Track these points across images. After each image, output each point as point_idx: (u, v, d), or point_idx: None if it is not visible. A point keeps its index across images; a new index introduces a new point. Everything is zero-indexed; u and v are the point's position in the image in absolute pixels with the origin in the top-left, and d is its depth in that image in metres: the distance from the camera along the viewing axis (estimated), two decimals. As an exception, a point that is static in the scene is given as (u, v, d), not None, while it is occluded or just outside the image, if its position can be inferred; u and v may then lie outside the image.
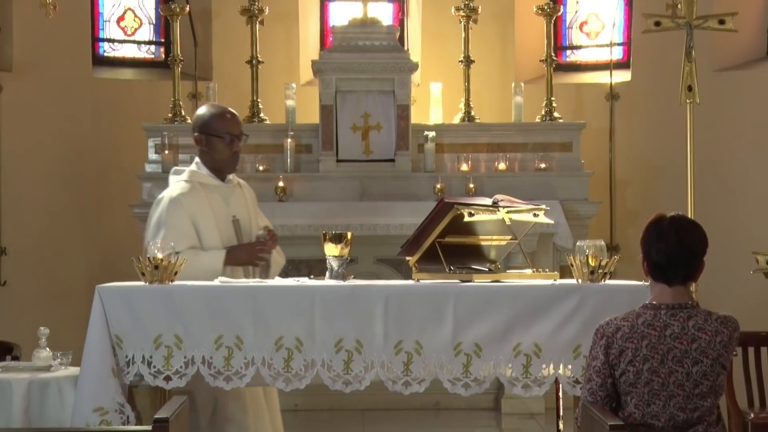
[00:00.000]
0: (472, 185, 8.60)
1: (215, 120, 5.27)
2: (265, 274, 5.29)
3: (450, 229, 4.67)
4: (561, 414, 5.25)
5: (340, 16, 9.84)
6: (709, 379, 3.78)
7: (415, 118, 8.96)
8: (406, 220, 7.78)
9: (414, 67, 8.89)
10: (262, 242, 5.23)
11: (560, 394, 4.94)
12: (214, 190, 5.28)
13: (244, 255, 5.21)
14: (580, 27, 10.15)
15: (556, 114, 9.12)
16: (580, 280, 4.62)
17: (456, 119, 9.20)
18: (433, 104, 9.16)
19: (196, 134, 5.31)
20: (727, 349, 3.81)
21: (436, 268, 4.71)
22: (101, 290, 4.55)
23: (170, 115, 9.04)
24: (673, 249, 3.83)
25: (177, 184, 5.28)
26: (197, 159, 5.36)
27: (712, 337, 3.80)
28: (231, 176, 5.40)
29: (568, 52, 10.17)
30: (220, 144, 5.24)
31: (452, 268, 4.71)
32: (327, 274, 4.86)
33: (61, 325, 6.45)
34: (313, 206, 8.37)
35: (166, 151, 8.79)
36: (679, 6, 7.37)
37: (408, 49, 9.20)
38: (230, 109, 5.39)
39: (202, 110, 5.39)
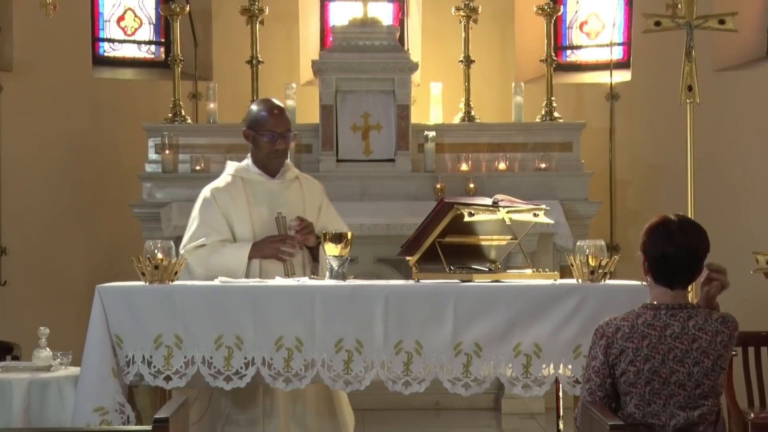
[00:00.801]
0: (472, 185, 8.60)
1: (261, 117, 5.27)
2: (315, 270, 5.22)
3: (450, 229, 4.67)
4: (561, 414, 5.25)
5: (340, 15, 9.84)
6: (710, 379, 3.78)
7: (415, 117, 8.95)
8: (406, 220, 7.78)
9: (414, 67, 8.89)
10: (291, 236, 5.13)
11: (560, 394, 4.94)
12: (258, 185, 5.29)
13: (267, 248, 5.15)
14: (580, 27, 10.15)
15: (556, 114, 9.12)
16: (580, 280, 4.62)
17: (456, 119, 9.20)
18: (433, 104, 9.16)
19: (244, 129, 5.35)
20: (727, 348, 3.81)
21: (437, 268, 4.70)
22: (101, 290, 4.55)
23: (170, 115, 9.04)
24: (682, 256, 3.81)
25: (220, 178, 5.36)
26: (249, 153, 5.39)
27: (712, 337, 3.79)
28: (288, 172, 5.38)
29: (568, 51, 10.17)
30: (262, 141, 5.25)
31: (452, 268, 4.71)
32: (327, 274, 4.86)
33: (61, 325, 6.45)
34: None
35: (167, 151, 8.80)
36: (679, 6, 7.37)
37: (408, 49, 9.20)
38: (279, 105, 5.36)
39: (253, 106, 5.41)
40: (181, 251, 5.11)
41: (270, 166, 5.32)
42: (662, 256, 3.83)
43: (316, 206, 5.41)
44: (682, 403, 3.78)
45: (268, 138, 5.23)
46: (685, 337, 3.79)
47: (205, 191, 5.30)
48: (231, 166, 5.39)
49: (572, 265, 4.65)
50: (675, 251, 3.81)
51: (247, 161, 5.37)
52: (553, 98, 9.13)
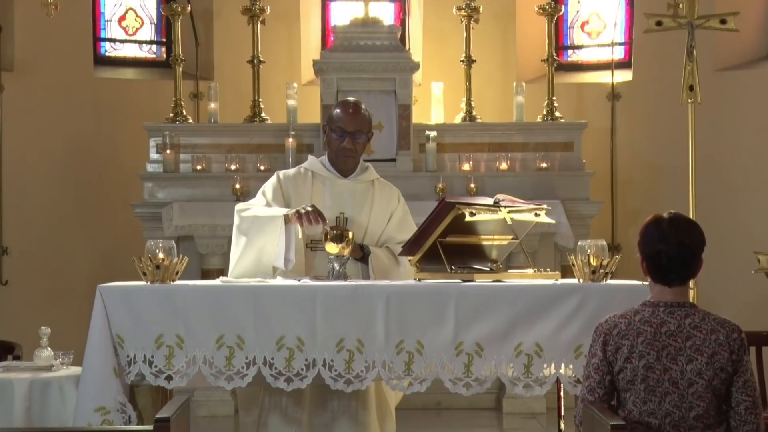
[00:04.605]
0: (473, 185, 8.60)
1: (335, 113, 5.24)
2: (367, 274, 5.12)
3: (451, 228, 4.66)
4: (562, 414, 5.24)
5: (341, 15, 9.85)
6: (704, 378, 3.76)
7: (417, 117, 8.96)
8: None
9: (415, 66, 8.89)
10: (321, 214, 4.95)
11: (561, 393, 4.94)
12: (327, 181, 5.26)
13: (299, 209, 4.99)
14: (582, 27, 10.16)
15: (557, 114, 9.12)
16: (581, 280, 4.61)
17: (457, 119, 9.20)
18: (435, 104, 9.16)
19: (324, 124, 5.38)
20: (723, 347, 3.79)
21: (438, 267, 4.70)
22: (102, 290, 4.55)
23: (171, 114, 9.04)
24: (674, 251, 3.82)
25: (294, 168, 5.39)
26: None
27: (707, 335, 3.79)
28: (365, 174, 5.33)
29: (570, 51, 10.18)
30: (332, 137, 5.21)
31: (453, 267, 4.70)
32: (328, 273, 4.86)
33: (62, 324, 6.45)
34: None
35: (168, 151, 8.80)
36: (680, 5, 7.37)
37: (409, 48, 9.21)
38: (359, 105, 5.25)
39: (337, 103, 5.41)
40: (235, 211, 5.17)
41: (336, 163, 5.26)
42: (656, 253, 3.84)
43: (385, 213, 5.34)
44: (676, 401, 3.76)
45: (337, 135, 5.18)
46: (680, 334, 3.78)
47: (275, 175, 5.31)
48: (308, 160, 5.39)
49: (573, 265, 4.64)
50: (667, 248, 3.82)
51: (323, 157, 5.35)
52: (554, 98, 9.13)
